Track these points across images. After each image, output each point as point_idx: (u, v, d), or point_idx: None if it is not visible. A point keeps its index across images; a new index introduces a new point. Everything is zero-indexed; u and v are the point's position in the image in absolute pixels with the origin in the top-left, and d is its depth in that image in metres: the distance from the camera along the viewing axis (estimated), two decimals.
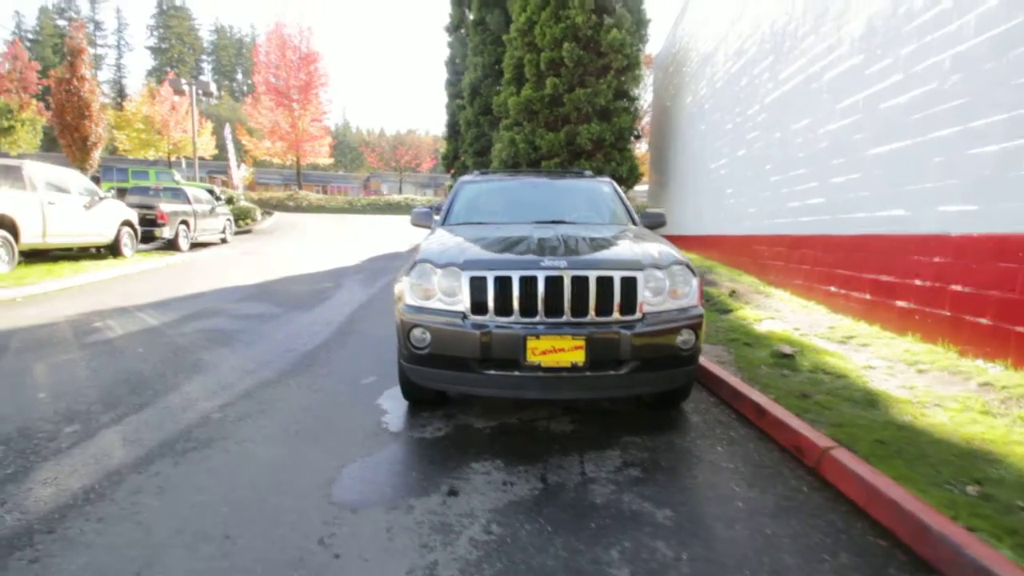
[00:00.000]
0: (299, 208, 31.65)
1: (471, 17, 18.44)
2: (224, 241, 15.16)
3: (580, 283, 2.59)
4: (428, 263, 2.78)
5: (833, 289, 5.53)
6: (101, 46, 59.13)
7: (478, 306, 2.63)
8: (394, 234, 21.30)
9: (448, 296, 2.70)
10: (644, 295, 2.64)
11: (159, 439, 2.74)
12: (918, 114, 4.26)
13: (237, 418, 3.04)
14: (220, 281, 8.45)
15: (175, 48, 66.01)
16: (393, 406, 3.27)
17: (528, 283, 2.60)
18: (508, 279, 2.61)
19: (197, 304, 6.54)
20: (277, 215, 23.80)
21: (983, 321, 3.58)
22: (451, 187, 20.99)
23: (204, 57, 70.33)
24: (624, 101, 13.04)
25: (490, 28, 15.74)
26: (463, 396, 3.31)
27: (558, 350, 2.52)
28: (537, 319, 2.58)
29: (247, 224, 19.23)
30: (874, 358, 4.05)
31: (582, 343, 2.51)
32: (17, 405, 3.17)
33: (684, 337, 2.67)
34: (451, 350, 2.61)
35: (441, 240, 3.20)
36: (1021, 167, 3.31)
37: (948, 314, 3.92)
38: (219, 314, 6.03)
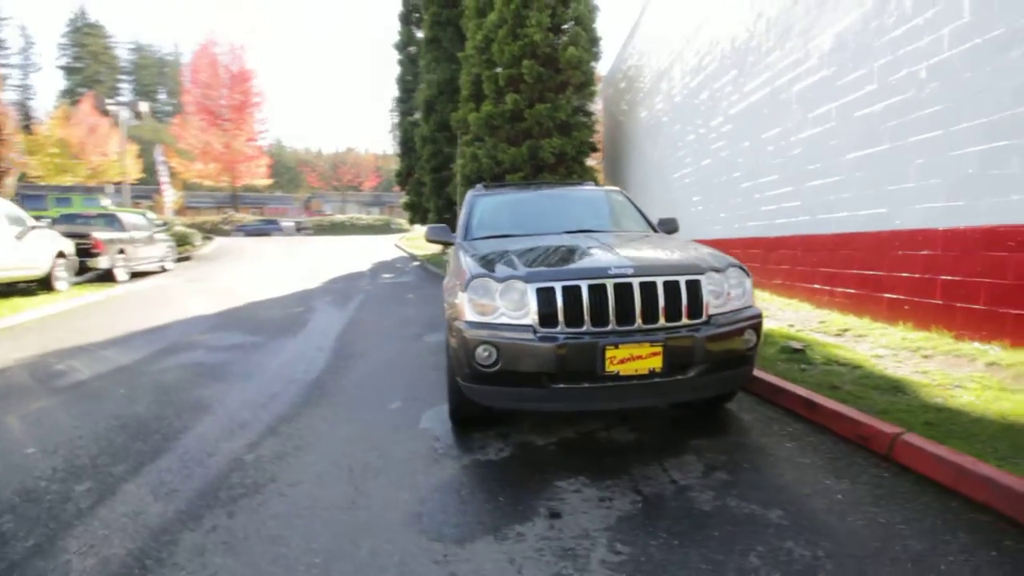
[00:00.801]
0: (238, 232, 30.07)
1: (420, 35, 18.43)
2: (164, 270, 14.08)
3: (648, 289, 2.56)
4: (487, 277, 2.67)
5: (816, 286, 5.84)
6: (4, 66, 54.01)
7: (547, 318, 2.54)
8: (348, 254, 20.63)
9: (513, 310, 2.59)
10: (707, 298, 2.66)
11: (195, 488, 2.44)
12: (895, 120, 4.62)
13: (274, 457, 2.77)
14: (176, 312, 7.81)
15: (91, 67, 61.39)
16: (440, 430, 3.10)
17: (597, 291, 2.54)
18: (577, 288, 2.55)
19: (163, 338, 5.98)
20: (218, 240, 22.46)
21: (977, 307, 3.87)
22: (406, 204, 20.67)
23: (122, 76, 65.84)
24: (582, 116, 13.39)
25: (443, 46, 15.74)
26: (508, 413, 3.18)
27: (636, 357, 2.47)
28: (609, 328, 2.53)
29: (186, 250, 17.99)
30: (877, 348, 4.29)
31: (660, 349, 2.48)
32: (4, 464, 2.73)
33: (747, 337, 2.70)
34: (523, 366, 2.50)
35: (481, 254, 3.09)
36: (1003, 166, 3.64)
37: (940, 302, 4.22)
38: (194, 347, 5.54)
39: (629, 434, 2.95)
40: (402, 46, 19.44)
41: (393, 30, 20.48)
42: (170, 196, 23.26)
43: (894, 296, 4.71)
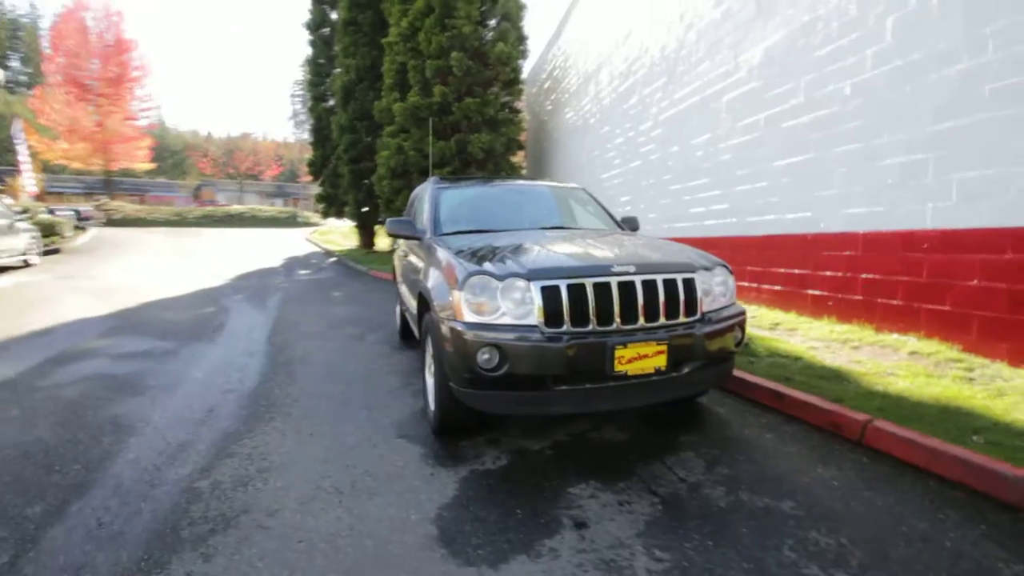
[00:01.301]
0: (113, 222, 26.54)
1: (335, 16, 17.38)
2: (27, 264, 12.04)
3: (649, 286, 2.55)
4: (485, 275, 2.50)
5: (744, 284, 6.28)
6: None
7: (552, 317, 2.44)
8: (253, 249, 18.98)
9: (515, 309, 2.45)
10: (700, 296, 2.70)
11: (147, 529, 2.04)
12: (821, 132, 5.06)
13: (237, 483, 2.40)
14: (56, 314, 6.68)
15: None
16: (424, 440, 2.88)
17: (601, 289, 2.48)
18: (581, 286, 2.47)
19: (50, 345, 5.07)
20: (94, 230, 19.63)
21: (895, 302, 4.36)
22: (320, 196, 19.40)
23: None
24: (510, 113, 13.39)
25: (363, 30, 14.96)
26: (491, 418, 3.02)
27: (643, 356, 2.44)
28: (614, 327, 2.48)
29: (55, 242, 15.53)
30: (809, 340, 4.68)
31: (664, 348, 2.47)
32: None
33: (736, 333, 2.78)
34: (531, 368, 2.37)
35: (469, 250, 2.90)
36: (919, 177, 4.11)
37: (861, 298, 4.70)
38: (92, 355, 4.75)
39: (619, 434, 2.93)
40: (314, 26, 18.18)
41: (297, 7, 19.00)
42: (30, 179, 19.86)
43: (818, 292, 5.17)
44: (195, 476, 2.48)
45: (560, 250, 2.84)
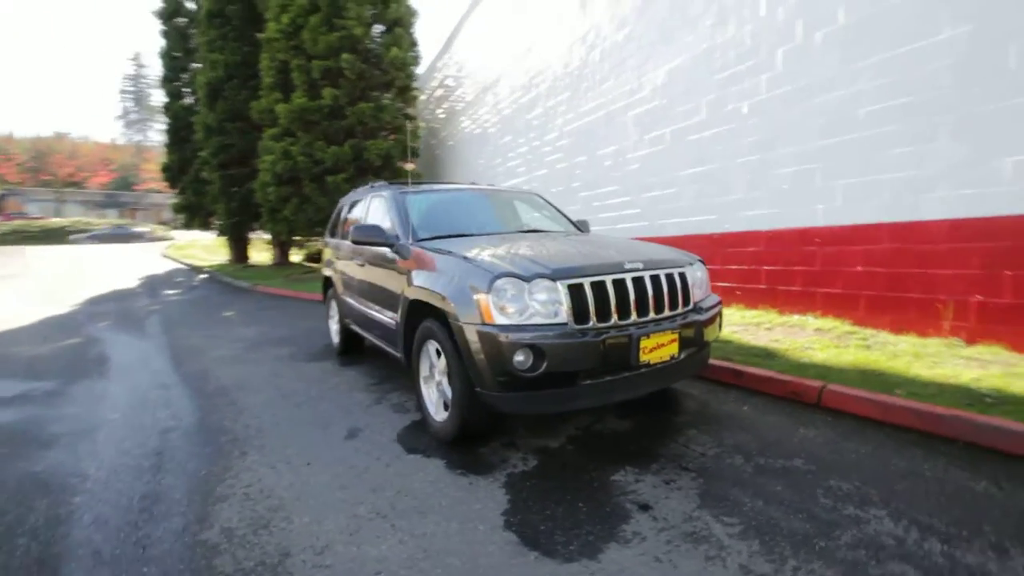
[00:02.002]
0: None
1: (195, 7, 15.58)
2: None
3: (656, 281, 2.76)
4: (512, 276, 2.50)
5: None
6: None
7: (579, 315, 2.52)
8: (95, 268, 16.09)
9: (544, 308, 2.49)
10: (692, 288, 2.98)
11: None
12: (723, 145, 5.81)
13: (256, 526, 2.10)
14: None
15: None
16: (440, 452, 2.76)
17: (619, 285, 2.63)
18: (603, 283, 2.59)
19: None
20: None
21: (794, 288, 5.15)
22: (180, 205, 17.12)
23: None
24: (406, 119, 13.12)
25: (233, 23, 13.60)
26: (493, 421, 2.98)
27: (661, 346, 2.63)
28: (631, 320, 2.63)
29: None
30: (728, 325, 5.32)
31: (676, 336, 2.69)
32: None
33: (720, 321, 3.11)
34: (568, 365, 2.42)
35: (475, 254, 2.86)
36: (809, 184, 4.93)
37: (764, 287, 5.47)
38: None
39: (622, 423, 3.09)
40: (167, 15, 16.03)
41: None
42: None
43: (727, 284, 5.90)
44: (194, 528, 2.11)
45: (568, 251, 2.93)
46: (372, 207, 4.32)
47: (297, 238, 14.35)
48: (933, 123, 3.95)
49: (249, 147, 13.74)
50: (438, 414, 2.94)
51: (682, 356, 2.80)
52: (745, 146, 5.55)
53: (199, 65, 15.04)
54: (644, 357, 2.57)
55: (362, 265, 4.12)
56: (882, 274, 4.39)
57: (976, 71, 3.68)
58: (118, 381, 4.47)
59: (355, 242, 3.69)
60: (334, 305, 5.31)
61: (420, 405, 3.12)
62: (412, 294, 3.08)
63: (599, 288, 2.58)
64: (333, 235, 5.44)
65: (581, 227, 4.41)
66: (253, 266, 16.18)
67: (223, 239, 18.23)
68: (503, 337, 2.40)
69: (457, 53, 13.54)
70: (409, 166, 12.99)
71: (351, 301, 4.49)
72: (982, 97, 3.66)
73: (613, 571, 1.73)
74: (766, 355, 4.09)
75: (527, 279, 2.51)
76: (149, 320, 7.86)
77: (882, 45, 4.24)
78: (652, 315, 2.71)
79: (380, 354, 5.14)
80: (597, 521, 2.04)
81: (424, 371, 3.09)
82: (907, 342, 4.05)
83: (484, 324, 2.47)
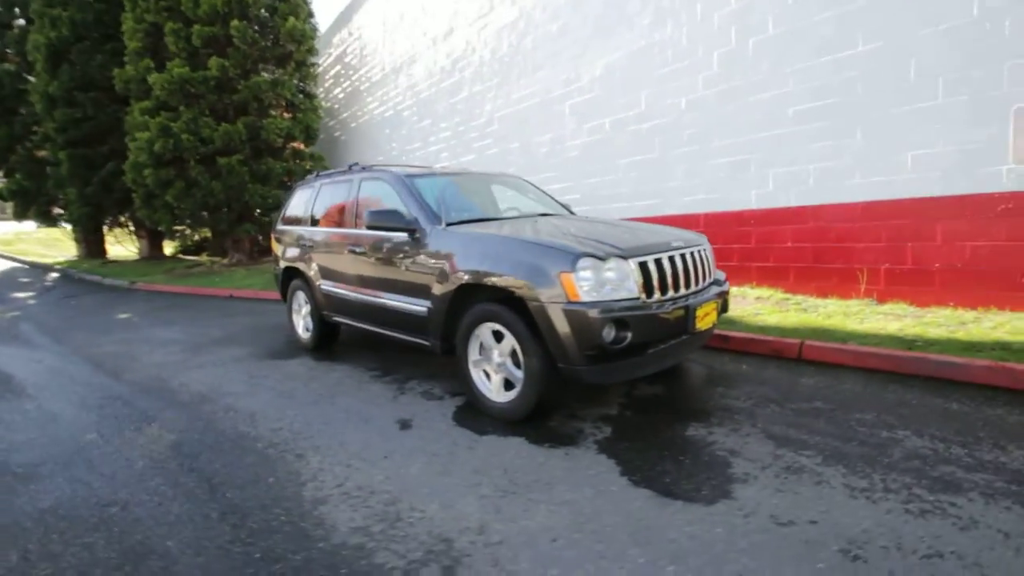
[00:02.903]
0: None
1: None
2: None
3: (693, 257, 3.08)
4: (592, 256, 2.64)
5: None
6: None
7: (648, 289, 2.74)
8: None
9: (620, 285, 2.67)
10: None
11: None
12: (661, 136, 6.38)
13: (382, 521, 2.02)
14: None
15: None
16: (516, 431, 2.82)
17: (671, 262, 2.90)
18: (660, 260, 2.84)
19: None
20: None
21: (732, 263, 5.90)
22: (9, 191, 14.01)
23: None
24: (305, 97, 12.16)
25: None
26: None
27: (707, 314, 2.96)
28: (680, 292, 2.92)
29: None
30: None
31: (716, 305, 3.05)
32: None
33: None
34: (647, 336, 2.64)
35: (533, 236, 2.96)
36: (744, 172, 5.66)
37: None
38: None
39: (655, 388, 3.37)
40: None
41: None
42: None
43: None
44: (319, 533, 1.98)
45: (616, 232, 3.14)
46: (365, 191, 4.10)
47: (180, 228, 12.59)
48: (850, 122, 4.81)
49: (109, 122, 11.72)
50: (498, 396, 2.99)
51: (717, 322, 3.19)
52: (684, 138, 6.17)
53: (23, 22, 12.37)
54: (699, 325, 2.88)
55: (361, 253, 3.91)
56: (808, 248, 5.25)
57: (884, 80, 4.56)
58: (51, 399, 3.75)
59: (370, 227, 3.51)
60: (301, 298, 4.93)
61: (469, 389, 3.13)
62: (460, 279, 3.06)
63: (658, 264, 2.82)
64: (293, 223, 5.02)
65: (569, 209, 4.63)
66: (115, 261, 13.90)
67: (66, 231, 15.34)
68: (592, 313, 2.54)
69: (360, 30, 12.81)
70: (297, 146, 12.06)
71: (340, 291, 4.22)
72: (889, 102, 4.55)
73: (754, 505, 2.01)
74: (727, 322, 4.68)
75: (603, 258, 2.67)
76: (19, 328, 6.51)
77: (807, 54, 5.03)
78: (693, 287, 3.03)
79: (361, 346, 4.90)
80: (705, 469, 2.31)
81: (473, 355, 3.10)
82: (834, 304, 4.92)
83: (570, 302, 2.58)
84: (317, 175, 5.08)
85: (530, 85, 8.14)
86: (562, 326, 2.59)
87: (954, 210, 4.30)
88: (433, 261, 3.29)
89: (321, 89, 14.20)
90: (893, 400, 2.96)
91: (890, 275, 4.73)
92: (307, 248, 4.66)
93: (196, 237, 15.84)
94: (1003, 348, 3.39)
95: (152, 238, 13.86)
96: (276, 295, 8.56)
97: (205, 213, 11.03)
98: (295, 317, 5.10)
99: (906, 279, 4.62)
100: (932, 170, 4.38)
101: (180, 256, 14.76)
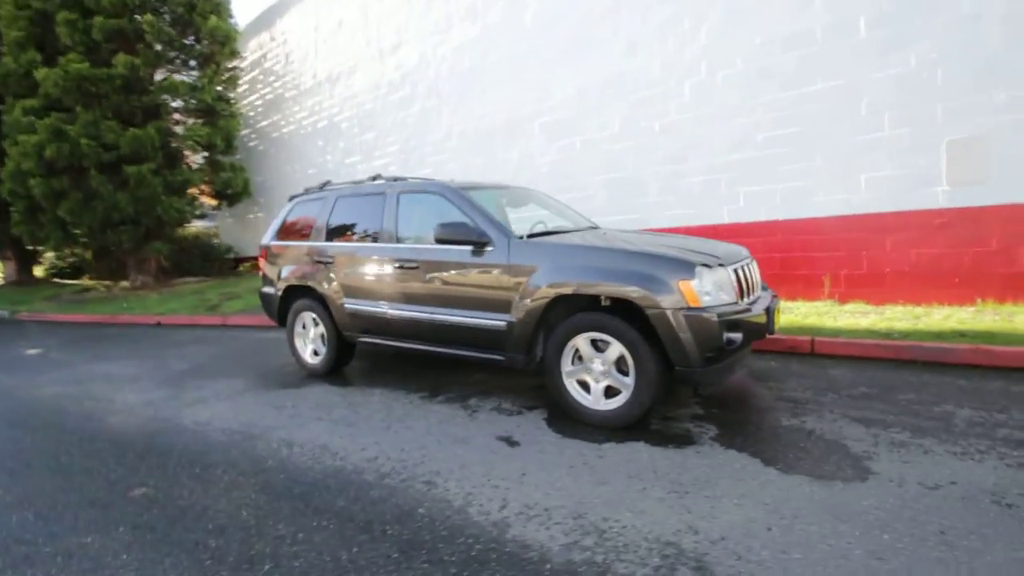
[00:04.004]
0: None
1: None
2: None
3: (754, 266, 3.41)
4: (705, 265, 2.84)
5: None
6: None
7: (741, 295, 2.99)
8: None
9: (725, 290, 2.89)
10: None
11: None
12: (635, 157, 6.85)
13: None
14: None
15: None
16: (631, 435, 2.89)
17: (745, 269, 3.19)
18: (740, 268, 3.12)
19: None
20: None
21: None
22: None
23: None
24: (226, 103, 11.14)
25: None
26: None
27: (774, 315, 3.28)
28: (753, 298, 3.22)
29: None
30: None
31: (777, 307, 3.39)
32: None
33: None
34: (750, 336, 2.88)
35: (635, 247, 3.11)
36: (717, 190, 6.27)
37: None
38: None
39: (714, 389, 3.65)
40: None
41: None
42: None
43: None
44: (532, 555, 1.90)
45: (694, 244, 3.36)
46: (407, 205, 3.94)
47: (76, 250, 10.74)
48: (813, 148, 5.59)
49: None
50: (599, 404, 3.04)
51: None
52: (658, 158, 6.69)
53: None
54: (774, 325, 3.20)
55: (411, 268, 3.74)
56: (777, 258, 5.95)
57: (841, 113, 5.38)
58: (48, 469, 3.08)
59: (440, 241, 3.40)
60: (307, 319, 4.54)
61: (564, 400, 3.14)
62: (555, 291, 3.08)
63: (743, 271, 3.10)
64: (296, 238, 4.64)
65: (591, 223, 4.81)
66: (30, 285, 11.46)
67: None
68: (713, 317, 2.72)
69: (285, 35, 12.05)
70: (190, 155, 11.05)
71: (374, 310, 3.98)
72: (845, 132, 5.37)
73: (897, 477, 2.29)
74: None
75: (711, 266, 2.88)
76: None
77: (773, 88, 5.76)
78: (758, 293, 3.36)
79: (373, 369, 4.63)
80: (831, 453, 2.56)
81: (566, 366, 3.13)
82: (804, 306, 5.62)
83: (691, 308, 2.74)
84: (322, 188, 4.76)
85: (495, 102, 8.27)
86: (684, 331, 2.74)
87: (900, 223, 5.17)
88: (514, 274, 3.27)
89: (232, 95, 13.09)
90: (916, 382, 3.50)
91: (849, 279, 5.52)
92: (323, 265, 4.32)
93: (71, 259, 13.64)
94: (960, 335, 4.15)
95: (21, 260, 11.63)
96: (215, 320, 7.73)
97: (108, 230, 9.57)
98: (298, 341, 4.66)
99: (862, 282, 5.43)
100: (882, 190, 5.25)
101: (55, 280, 12.58)
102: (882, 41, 5.09)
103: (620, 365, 2.98)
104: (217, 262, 13.33)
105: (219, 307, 8.46)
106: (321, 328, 4.44)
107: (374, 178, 4.44)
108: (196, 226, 13.86)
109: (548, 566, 1.85)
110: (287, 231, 4.79)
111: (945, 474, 2.30)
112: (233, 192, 11.22)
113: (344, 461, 2.81)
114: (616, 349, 2.95)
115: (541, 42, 7.64)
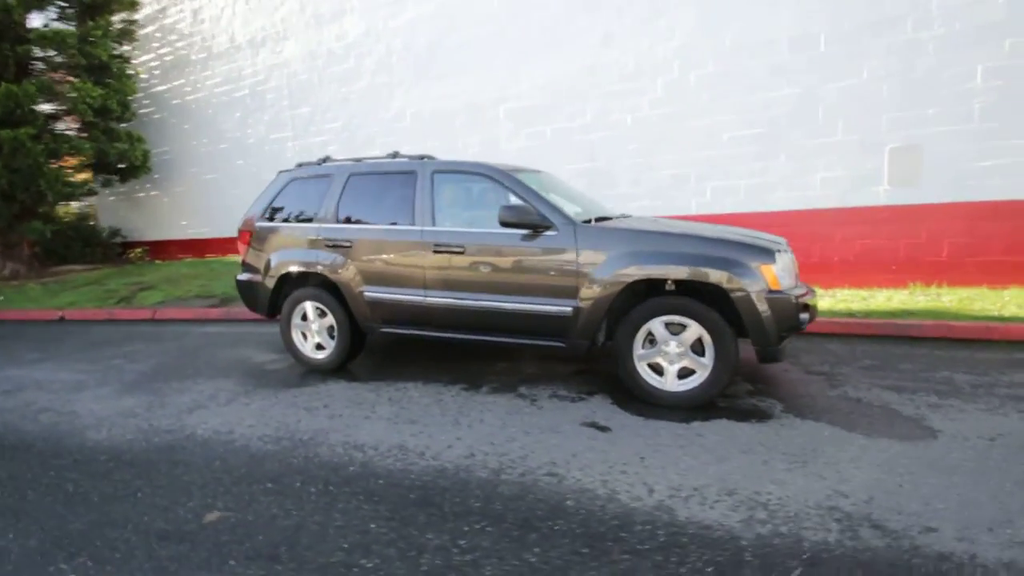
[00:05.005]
0: None
1: None
2: None
3: None
4: (779, 251, 3.03)
5: None
6: None
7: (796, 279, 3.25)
8: None
9: (788, 275, 3.10)
10: None
11: None
12: (609, 147, 7.04)
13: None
14: None
15: None
16: (728, 414, 3.00)
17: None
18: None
19: None
20: None
21: None
22: None
23: None
24: (123, 63, 9.51)
25: None
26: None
27: None
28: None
29: None
30: None
31: None
32: None
33: None
34: (812, 317, 3.12)
35: (705, 233, 3.22)
36: (686, 184, 6.66)
37: None
38: None
39: (754, 367, 3.91)
40: None
41: None
42: None
43: None
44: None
45: (748, 232, 3.55)
46: (443, 186, 3.68)
47: None
48: (775, 148, 6.16)
49: None
50: (673, 385, 3.11)
51: None
52: (629, 150, 6.94)
53: None
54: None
55: (456, 252, 3.51)
56: None
57: (801, 118, 5.99)
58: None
59: (505, 224, 3.24)
60: (309, 312, 4.08)
61: (636, 383, 3.18)
62: (632, 275, 3.09)
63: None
64: (295, 220, 4.14)
65: None
66: None
67: None
68: (791, 299, 2.92)
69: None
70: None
71: (406, 298, 3.69)
72: (804, 135, 6.00)
73: (956, 433, 2.64)
74: None
75: (783, 252, 3.07)
76: None
77: (741, 91, 6.24)
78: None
79: (383, 361, 4.30)
80: (891, 417, 2.88)
81: (638, 350, 3.16)
82: None
83: (772, 291, 2.92)
84: (320, 163, 4.28)
85: (457, 84, 7.99)
86: (767, 312, 2.91)
87: (848, 218, 5.92)
88: (582, 259, 3.22)
89: (126, 51, 11.22)
90: (903, 354, 4.04)
91: (803, 267, 6.18)
92: (337, 249, 3.89)
93: None
94: (910, 313, 4.89)
95: None
96: (141, 314, 6.60)
97: None
98: (295, 334, 4.16)
99: (814, 269, 6.13)
100: (834, 188, 5.95)
101: None
102: (839, 56, 5.74)
103: (694, 346, 3.08)
104: (100, 248, 11.39)
105: (133, 300, 7.25)
106: (329, 319, 4.01)
107: (393, 155, 4.09)
108: (73, 206, 11.67)
109: (743, 542, 1.88)
110: (279, 211, 4.24)
111: (991, 428, 2.70)
112: (129, 165, 9.62)
113: (439, 460, 2.59)
114: (694, 331, 3.04)
115: (511, 28, 7.51)
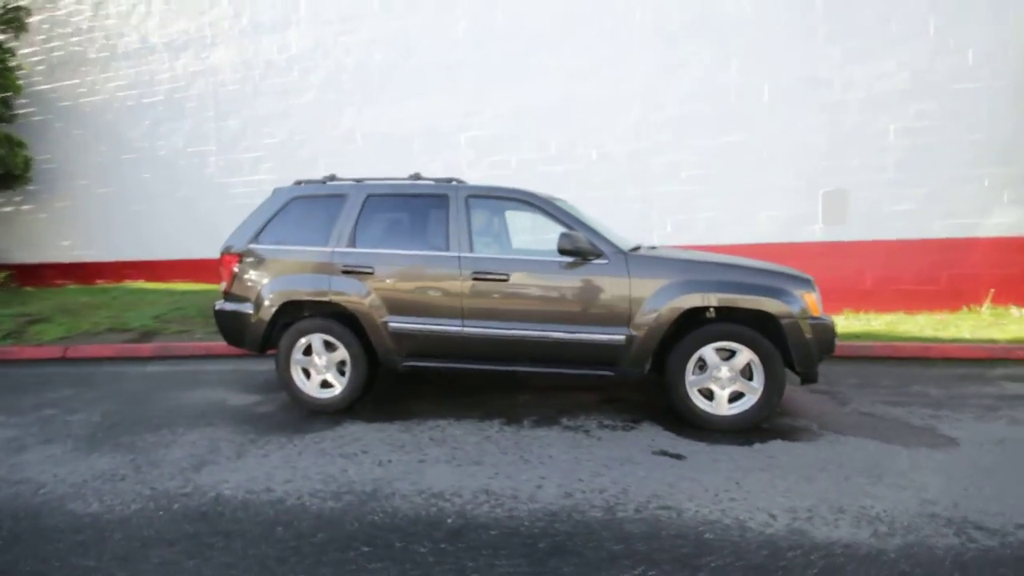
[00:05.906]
0: None
1: None
2: None
3: None
4: (811, 281, 3.29)
5: None
6: None
7: None
8: None
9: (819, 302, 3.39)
10: None
11: None
12: (573, 179, 7.27)
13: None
14: None
15: None
16: (779, 436, 3.13)
17: None
18: None
19: None
20: None
21: None
22: None
23: None
24: (4, 52, 8.05)
25: None
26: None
27: None
28: None
29: None
30: None
31: None
32: None
33: None
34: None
35: (737, 263, 3.42)
36: (648, 217, 7.06)
37: None
38: None
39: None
40: None
41: None
42: None
43: None
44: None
45: (762, 263, 3.81)
46: (480, 211, 3.54)
47: None
48: (727, 187, 6.78)
49: None
50: (724, 409, 3.22)
51: None
52: (595, 184, 7.23)
53: None
54: None
55: (500, 280, 3.36)
56: None
57: (751, 160, 6.67)
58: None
59: (564, 252, 3.18)
60: (315, 345, 3.66)
61: (688, 409, 3.24)
62: (695, 302, 3.18)
63: None
64: (297, 243, 3.73)
65: None
66: None
67: None
68: (830, 324, 3.19)
69: None
70: None
71: (439, 329, 3.45)
72: (753, 176, 6.68)
73: (991, 437, 3.03)
74: None
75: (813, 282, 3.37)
76: None
77: (699, 133, 6.82)
78: None
79: (385, 400, 3.97)
80: (930, 431, 3.21)
81: (689, 376, 3.24)
82: None
83: (814, 318, 3.16)
84: (325, 181, 3.91)
85: (416, 107, 7.82)
86: (811, 337, 3.14)
87: (790, 252, 6.64)
88: (636, 288, 3.26)
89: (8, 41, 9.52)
90: (872, 372, 4.57)
91: None
92: (355, 276, 3.54)
93: None
94: (855, 336, 5.58)
95: None
96: (48, 353, 5.43)
97: None
98: (295, 371, 3.68)
99: None
100: (777, 225, 6.67)
101: None
102: (781, 106, 6.54)
103: (743, 371, 3.23)
104: None
105: (25, 334, 5.95)
106: (340, 353, 3.61)
107: (415, 176, 3.86)
108: None
109: (890, 555, 1.98)
110: (276, 232, 3.78)
111: (992, 433, 3.14)
112: (7, 174, 8.03)
113: (537, 503, 2.41)
114: (744, 356, 3.19)
115: (474, 56, 7.55)
